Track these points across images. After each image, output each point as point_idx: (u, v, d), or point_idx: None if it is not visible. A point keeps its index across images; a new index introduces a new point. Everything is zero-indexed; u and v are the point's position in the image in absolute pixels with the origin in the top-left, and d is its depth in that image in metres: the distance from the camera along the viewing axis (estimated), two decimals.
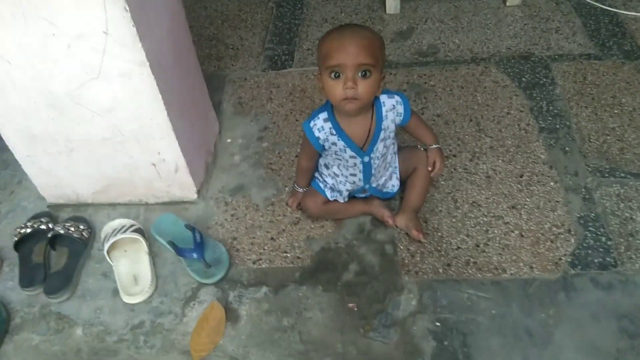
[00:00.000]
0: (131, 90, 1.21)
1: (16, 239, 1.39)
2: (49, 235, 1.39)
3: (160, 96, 1.22)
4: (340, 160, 1.28)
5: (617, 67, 1.72)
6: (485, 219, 1.36)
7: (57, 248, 1.40)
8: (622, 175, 1.41)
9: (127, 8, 1.06)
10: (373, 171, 1.29)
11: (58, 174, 1.43)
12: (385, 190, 1.38)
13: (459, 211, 1.38)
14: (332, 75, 1.11)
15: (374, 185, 1.35)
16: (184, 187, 1.45)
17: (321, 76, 1.15)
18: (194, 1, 2.26)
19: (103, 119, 1.27)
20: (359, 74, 1.10)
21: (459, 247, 1.30)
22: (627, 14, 1.90)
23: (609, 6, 1.94)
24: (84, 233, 1.41)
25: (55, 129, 1.31)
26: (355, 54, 1.08)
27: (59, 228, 1.39)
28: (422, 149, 1.35)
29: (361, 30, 1.13)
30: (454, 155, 1.51)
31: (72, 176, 1.44)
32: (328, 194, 1.34)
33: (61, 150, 1.36)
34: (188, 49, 1.43)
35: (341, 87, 1.11)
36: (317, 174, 1.38)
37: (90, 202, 1.51)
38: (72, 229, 1.40)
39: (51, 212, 1.51)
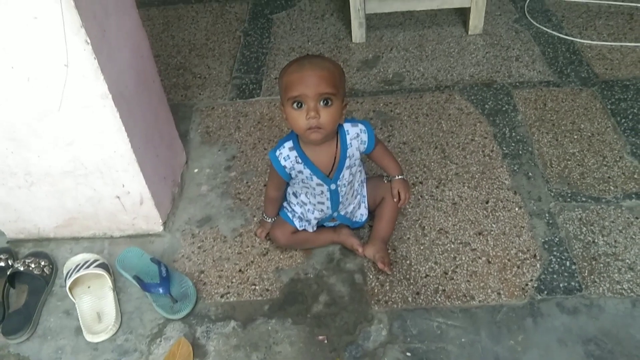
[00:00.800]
0: (93, 122, 1.19)
1: None
2: (8, 273, 1.34)
3: (123, 128, 1.21)
4: (308, 188, 1.28)
5: (575, 93, 1.77)
6: (452, 245, 1.37)
7: (17, 285, 1.35)
8: (583, 199, 1.44)
9: (88, 41, 1.05)
10: (341, 199, 1.29)
11: (18, 207, 1.39)
12: (354, 219, 1.38)
13: (427, 238, 1.39)
14: (295, 105, 1.12)
15: (342, 213, 1.35)
16: (149, 219, 1.42)
17: (284, 107, 1.16)
18: (161, 30, 2.26)
19: (64, 152, 1.25)
20: (321, 103, 1.12)
21: (427, 275, 1.31)
22: (583, 42, 1.97)
23: (566, 35, 2.01)
24: (45, 269, 1.36)
25: (15, 161, 1.27)
26: (316, 84, 1.10)
27: (19, 265, 1.35)
28: (385, 181, 1.36)
29: (320, 61, 1.14)
30: (421, 183, 1.53)
31: (33, 210, 1.40)
32: (297, 223, 1.34)
33: (21, 184, 1.32)
34: (153, 79, 1.42)
35: (304, 117, 1.12)
36: (285, 204, 1.37)
37: (52, 236, 1.47)
38: (33, 265, 1.35)
39: (11, 248, 1.45)
